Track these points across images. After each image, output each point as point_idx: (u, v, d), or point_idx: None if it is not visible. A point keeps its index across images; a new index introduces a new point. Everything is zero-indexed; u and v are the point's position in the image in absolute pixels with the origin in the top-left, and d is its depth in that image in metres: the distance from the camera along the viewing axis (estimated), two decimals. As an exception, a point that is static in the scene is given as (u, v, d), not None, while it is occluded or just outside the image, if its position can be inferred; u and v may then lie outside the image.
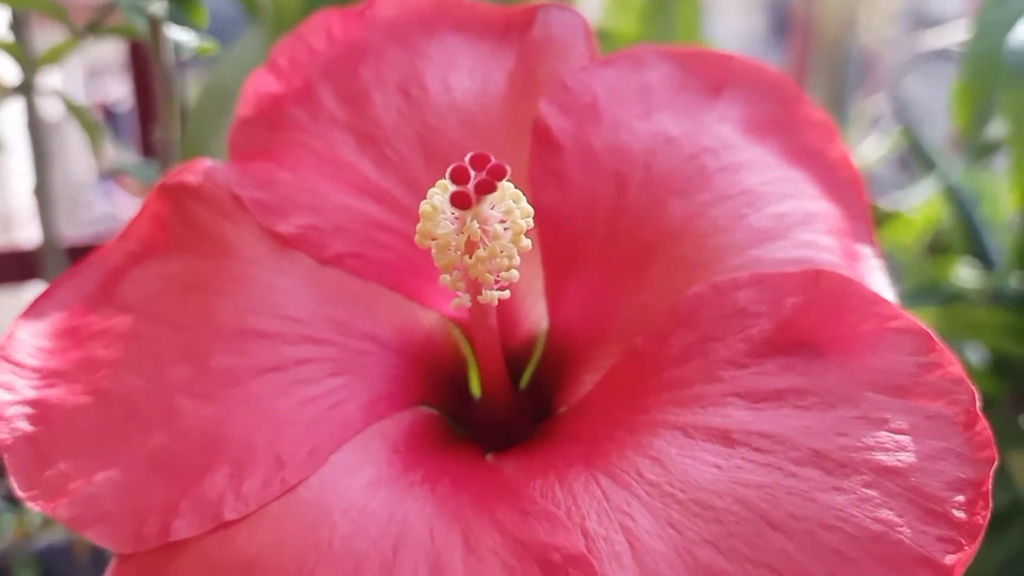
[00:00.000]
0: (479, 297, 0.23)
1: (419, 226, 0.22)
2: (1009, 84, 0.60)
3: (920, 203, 1.05)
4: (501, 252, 0.22)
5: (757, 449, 0.21)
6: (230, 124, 0.59)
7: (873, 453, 0.21)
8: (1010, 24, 0.65)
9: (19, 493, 0.23)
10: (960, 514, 0.20)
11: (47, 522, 0.53)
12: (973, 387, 0.22)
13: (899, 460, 0.21)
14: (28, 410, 0.24)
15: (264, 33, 0.67)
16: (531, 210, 0.23)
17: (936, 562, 0.20)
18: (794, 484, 0.21)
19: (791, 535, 0.20)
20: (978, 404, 0.21)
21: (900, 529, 0.20)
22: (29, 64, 0.46)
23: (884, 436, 0.21)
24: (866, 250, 0.26)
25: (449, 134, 0.28)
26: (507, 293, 0.23)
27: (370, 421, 0.25)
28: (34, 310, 0.26)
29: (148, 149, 0.85)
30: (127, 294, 0.26)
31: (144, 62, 0.81)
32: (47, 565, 0.53)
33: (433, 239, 0.22)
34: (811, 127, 0.28)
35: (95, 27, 0.45)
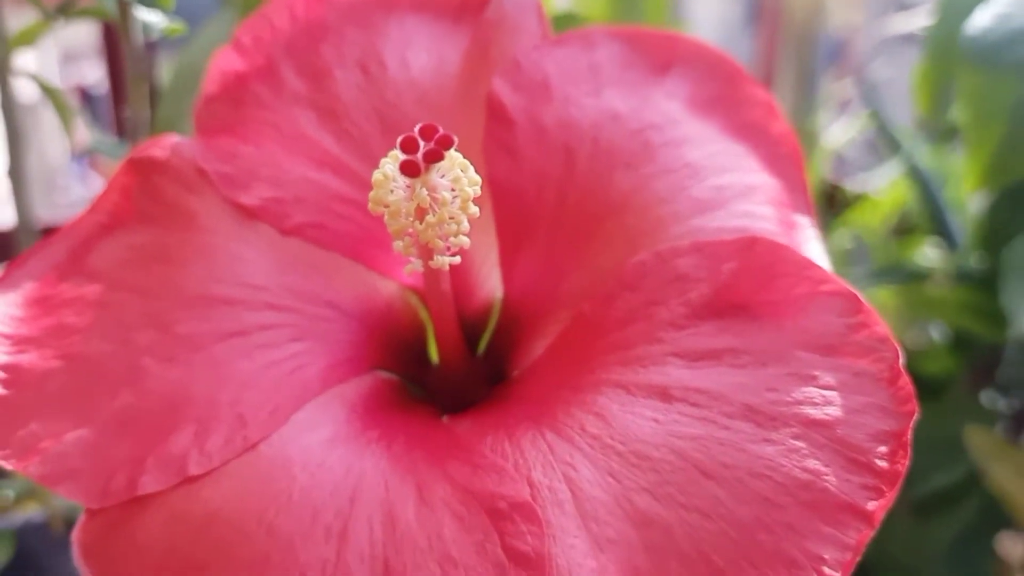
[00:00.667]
0: (431, 262, 0.24)
1: (372, 194, 0.23)
2: (965, 69, 0.61)
3: (887, 185, 1.07)
4: (450, 218, 0.23)
5: (693, 404, 0.22)
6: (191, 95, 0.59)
7: (802, 407, 0.22)
8: (969, 10, 0.66)
9: (-11, 453, 0.24)
10: (882, 463, 0.21)
11: (21, 498, 0.54)
12: (897, 345, 0.23)
13: (826, 414, 0.22)
14: (1, 375, 0.25)
15: (234, 14, 0.68)
16: (478, 179, 0.24)
17: (859, 508, 0.21)
18: (726, 436, 0.22)
19: (722, 482, 0.21)
20: (901, 361, 0.23)
21: (826, 477, 0.21)
22: (1, 46, 0.46)
23: (813, 391, 0.22)
24: (803, 220, 0.27)
25: (406, 109, 0.29)
26: (458, 259, 0.24)
27: (330, 384, 0.26)
28: (6, 280, 0.27)
29: (123, 129, 0.86)
30: (96, 264, 0.27)
31: (117, 44, 0.81)
32: (24, 540, 0.53)
33: (385, 206, 0.23)
34: (754, 104, 0.29)
35: (66, 9, 0.46)
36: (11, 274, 0.27)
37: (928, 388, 0.75)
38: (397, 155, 0.23)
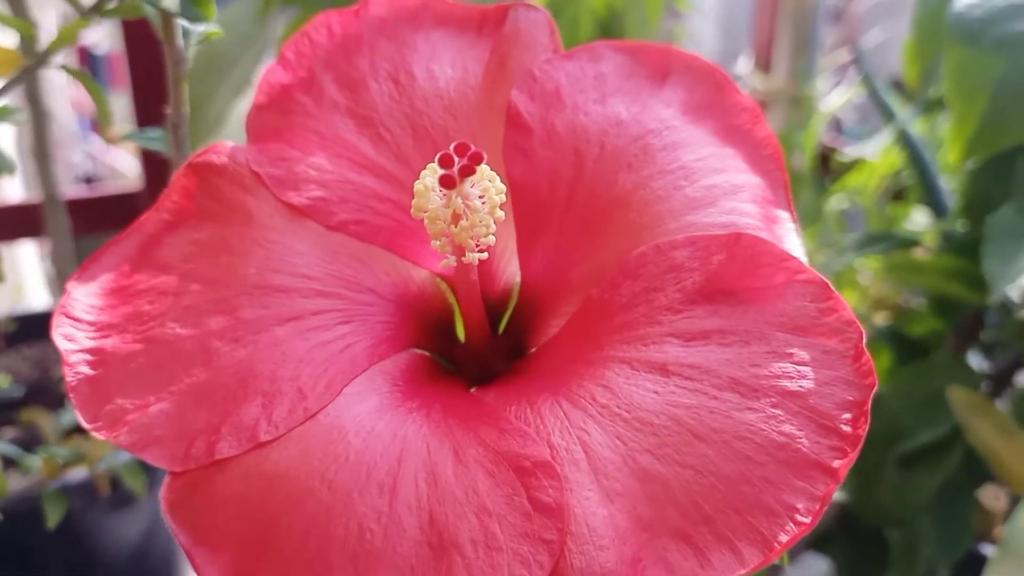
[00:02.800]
0: (463, 258, 0.28)
1: (414, 201, 0.27)
2: (949, 44, 0.64)
3: (882, 149, 1.10)
4: (480, 222, 0.27)
5: (687, 378, 0.26)
6: (224, 83, 0.64)
7: (779, 380, 0.26)
8: None
9: (85, 425, 0.28)
10: (847, 428, 0.25)
11: (70, 462, 0.58)
12: (861, 327, 0.27)
13: (800, 386, 0.26)
14: (88, 357, 0.29)
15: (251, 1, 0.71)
16: (504, 187, 0.28)
17: (827, 466, 0.25)
18: (715, 405, 0.26)
19: (711, 444, 0.25)
20: (864, 341, 0.26)
21: (799, 440, 0.25)
22: (30, 42, 0.49)
23: (789, 367, 0.26)
24: (784, 215, 0.31)
25: (434, 117, 0.33)
26: (486, 255, 0.28)
27: (373, 361, 0.30)
28: (85, 273, 0.31)
29: (136, 87, 0.88)
30: (165, 257, 0.31)
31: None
32: (72, 499, 0.58)
33: (425, 212, 0.27)
34: (741, 110, 0.33)
35: (100, 7, 0.49)
36: (88, 267, 0.31)
37: (915, 349, 0.79)
38: (435, 168, 0.27)
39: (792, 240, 0.30)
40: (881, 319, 1.12)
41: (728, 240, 0.28)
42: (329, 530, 0.25)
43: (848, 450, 0.25)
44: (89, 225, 0.99)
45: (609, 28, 0.77)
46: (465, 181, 0.27)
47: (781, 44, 1.22)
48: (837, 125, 1.31)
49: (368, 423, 0.27)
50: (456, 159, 0.27)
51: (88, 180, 1.75)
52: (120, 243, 0.31)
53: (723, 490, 0.24)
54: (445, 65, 0.33)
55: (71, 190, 0.99)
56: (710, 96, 0.33)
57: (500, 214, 0.28)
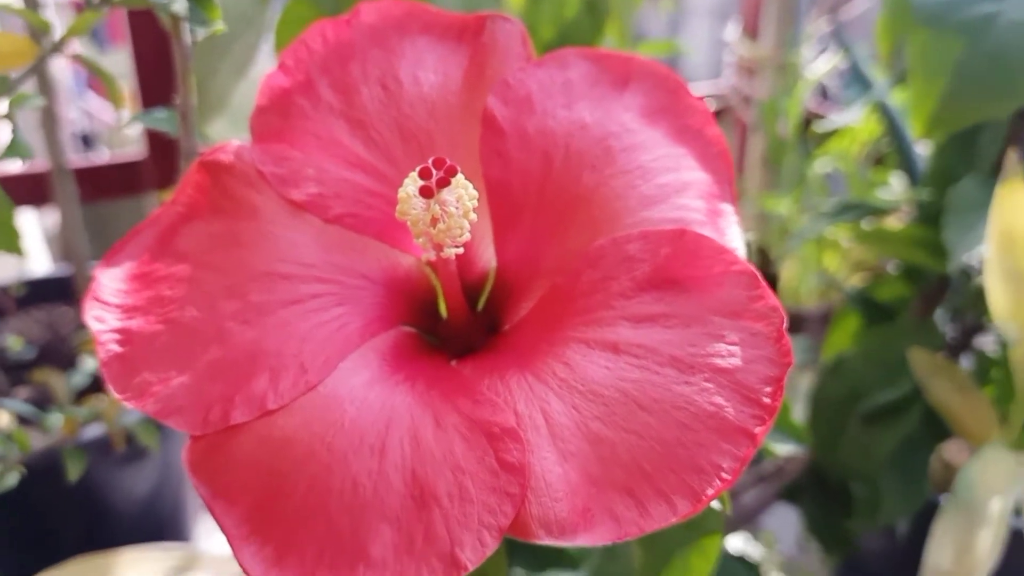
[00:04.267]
0: (441, 253, 0.32)
1: (398, 207, 0.32)
2: (913, 26, 0.67)
3: (863, 116, 1.13)
4: (456, 225, 0.31)
5: (634, 356, 0.31)
6: (226, 60, 0.68)
7: (712, 358, 0.30)
8: None
9: (115, 395, 0.33)
10: (767, 400, 0.29)
11: (88, 420, 0.63)
12: (783, 312, 0.31)
13: (729, 363, 0.30)
14: (117, 336, 0.33)
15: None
16: (476, 194, 0.32)
17: (749, 431, 0.29)
18: (657, 379, 0.30)
19: (652, 413, 0.29)
20: (785, 325, 0.31)
21: (727, 410, 0.29)
22: (47, 32, 0.52)
23: (721, 347, 0.30)
24: (727, 208, 0.35)
25: (419, 120, 0.37)
26: (461, 249, 0.32)
27: (365, 338, 0.34)
28: (110, 260, 0.35)
29: (136, 42, 0.91)
30: (182, 247, 0.35)
31: None
32: (91, 454, 0.62)
33: (408, 216, 0.32)
34: (694, 112, 0.37)
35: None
36: (113, 255, 0.35)
37: (884, 313, 0.84)
38: (416, 179, 0.31)
39: (733, 231, 0.34)
40: (860, 280, 1.16)
41: (674, 235, 0.32)
42: (328, 485, 0.29)
43: (766, 418, 0.29)
44: (95, 192, 1.03)
45: (594, 4, 0.80)
46: (442, 191, 0.31)
47: (768, 12, 1.25)
48: (823, 91, 1.34)
49: (361, 394, 0.32)
50: (434, 172, 0.31)
51: (85, 138, 1.77)
52: (140, 234, 0.35)
53: (661, 452, 0.29)
54: (428, 71, 0.37)
55: (76, 158, 1.02)
56: (666, 100, 0.37)
57: (473, 217, 0.32)
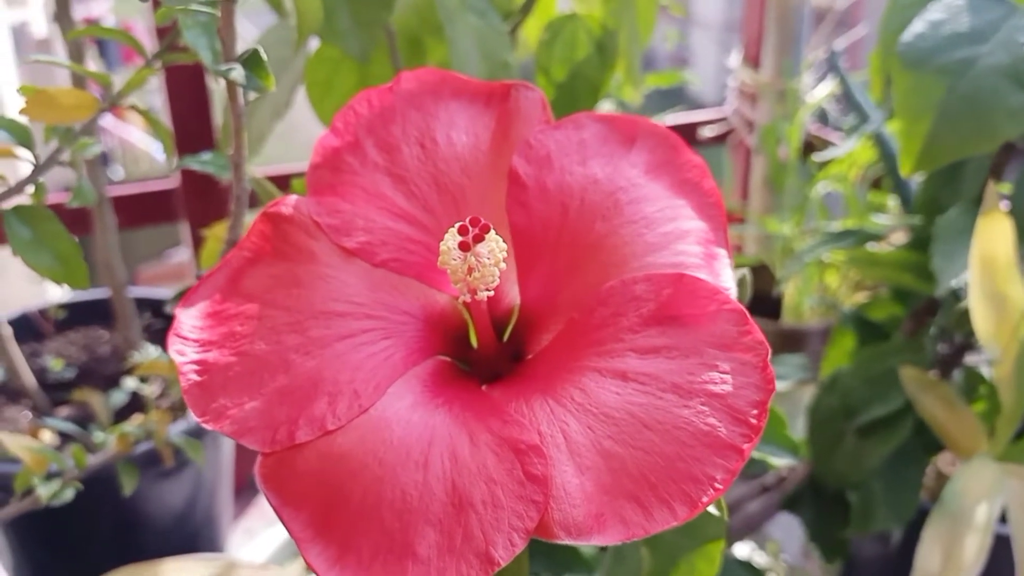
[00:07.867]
0: (475, 296, 0.38)
1: (440, 258, 0.37)
2: (899, 69, 0.72)
3: (862, 142, 1.18)
4: (488, 274, 0.37)
5: (641, 383, 0.35)
6: (264, 103, 0.74)
7: (707, 385, 0.35)
8: (919, 9, 0.76)
9: (196, 419, 0.38)
10: (754, 420, 0.34)
11: (140, 438, 0.68)
12: (768, 345, 0.36)
13: (722, 389, 0.35)
14: (196, 367, 0.38)
15: (286, 28, 0.80)
16: (505, 247, 0.37)
17: (738, 448, 0.33)
18: (660, 403, 0.35)
19: (656, 431, 0.34)
20: (769, 356, 0.36)
21: (720, 429, 0.33)
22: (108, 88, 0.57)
23: (715, 375, 0.35)
24: (722, 252, 0.40)
25: (453, 176, 0.42)
26: (492, 292, 0.38)
27: (408, 366, 0.39)
28: (188, 299, 0.40)
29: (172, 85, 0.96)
30: (249, 288, 0.40)
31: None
32: (142, 468, 0.67)
33: (448, 265, 0.37)
34: (692, 167, 0.42)
35: (164, 54, 0.58)
36: (190, 295, 0.41)
37: (876, 332, 0.89)
38: (455, 235, 0.37)
39: (726, 273, 0.40)
40: (859, 299, 1.21)
41: (675, 278, 0.38)
42: (380, 494, 0.34)
43: (753, 436, 0.34)
44: (132, 219, 1.09)
45: (604, 45, 0.85)
46: (477, 245, 0.37)
47: (769, 41, 1.30)
48: (823, 116, 1.39)
49: (406, 415, 0.37)
50: (471, 229, 0.37)
51: (103, 156, 1.81)
52: (212, 276, 0.41)
53: (663, 465, 0.33)
54: (461, 132, 0.43)
55: (113, 187, 1.08)
56: (667, 156, 0.42)
57: (503, 266, 0.37)
